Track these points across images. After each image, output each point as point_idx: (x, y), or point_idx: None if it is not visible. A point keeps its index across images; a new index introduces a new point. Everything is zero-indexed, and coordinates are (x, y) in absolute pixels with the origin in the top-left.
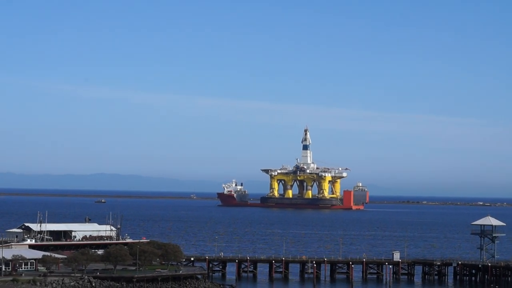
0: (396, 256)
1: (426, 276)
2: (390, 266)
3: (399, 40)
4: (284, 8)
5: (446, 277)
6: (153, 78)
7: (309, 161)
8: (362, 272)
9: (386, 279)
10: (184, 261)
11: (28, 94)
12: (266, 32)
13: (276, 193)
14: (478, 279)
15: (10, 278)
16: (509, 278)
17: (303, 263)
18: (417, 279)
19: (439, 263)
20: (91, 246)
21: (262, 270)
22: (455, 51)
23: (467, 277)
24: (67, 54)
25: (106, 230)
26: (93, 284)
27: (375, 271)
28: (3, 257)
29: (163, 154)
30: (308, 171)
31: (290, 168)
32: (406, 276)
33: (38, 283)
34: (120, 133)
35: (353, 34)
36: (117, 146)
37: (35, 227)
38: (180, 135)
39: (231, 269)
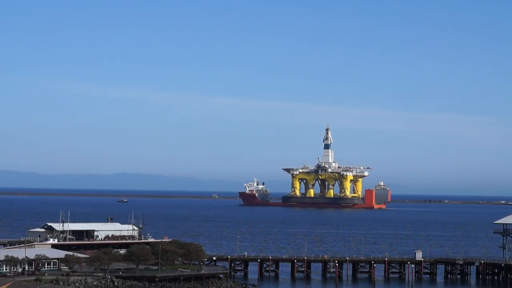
0: (418, 255)
1: (449, 275)
2: (412, 265)
3: (419, 39)
4: (304, 8)
5: (468, 276)
6: (174, 78)
7: (330, 160)
8: (384, 271)
9: (408, 278)
10: (206, 260)
11: (49, 95)
12: (287, 32)
13: (297, 193)
14: (500, 278)
15: (33, 277)
16: None
17: (325, 263)
18: (440, 278)
19: (461, 262)
20: (114, 245)
21: (284, 269)
22: (474, 49)
23: (490, 276)
24: (88, 55)
25: (128, 230)
26: (116, 284)
27: (397, 271)
28: (26, 257)
29: (185, 153)
30: (329, 170)
31: (312, 167)
32: (428, 276)
33: (61, 283)
34: (142, 134)
35: (373, 34)
36: (139, 146)
37: (57, 226)
38: (201, 135)
39: (253, 268)
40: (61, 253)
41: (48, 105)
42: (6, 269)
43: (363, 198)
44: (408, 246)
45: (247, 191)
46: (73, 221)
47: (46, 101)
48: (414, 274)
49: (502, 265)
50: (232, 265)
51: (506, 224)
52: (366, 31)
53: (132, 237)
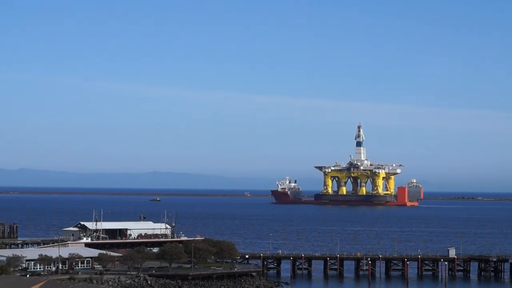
0: (452, 253)
1: (482, 272)
2: (446, 263)
3: (452, 36)
4: (338, 6)
5: (502, 273)
6: (206, 76)
7: (362, 158)
8: (418, 269)
9: (441, 276)
10: (239, 258)
11: (84, 95)
12: (319, 30)
13: (330, 190)
14: None
15: (67, 276)
16: None
17: (358, 260)
18: (473, 275)
19: (495, 260)
20: (146, 244)
21: (317, 267)
22: (509, 45)
23: None
24: (120, 53)
25: (161, 228)
26: (149, 282)
27: (431, 268)
28: (60, 256)
29: (217, 152)
30: (362, 167)
31: (344, 165)
32: (462, 273)
33: (94, 281)
34: (173, 132)
35: (406, 31)
36: (171, 145)
37: (91, 225)
38: (233, 133)
39: (285, 266)
40: (95, 252)
41: (81, 105)
42: (40, 268)
43: (395, 196)
44: (442, 244)
45: (279, 189)
46: (106, 220)
47: (79, 101)
48: (447, 271)
49: None
50: (265, 263)
51: None
52: (398, 28)
53: (165, 235)
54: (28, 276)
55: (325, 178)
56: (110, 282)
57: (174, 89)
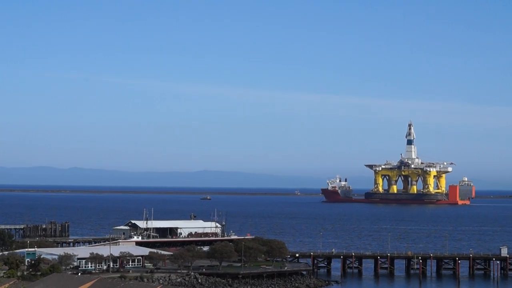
0: (504, 252)
1: None
2: (498, 262)
3: (501, 33)
4: (392, 7)
5: None
6: (255, 74)
7: (413, 156)
8: (469, 268)
9: (493, 275)
10: (289, 257)
11: (133, 94)
12: (372, 30)
13: (380, 189)
14: None
15: (118, 274)
16: None
17: (408, 259)
18: None
19: None
20: (197, 242)
21: (367, 266)
22: None
23: None
24: (167, 52)
25: (211, 227)
26: (199, 281)
27: (482, 267)
28: (111, 254)
29: (267, 150)
30: (412, 166)
31: (395, 163)
32: None
33: (145, 280)
34: (223, 130)
35: (456, 29)
36: (220, 143)
37: (141, 224)
38: (283, 132)
39: (336, 265)
40: (145, 251)
41: (132, 104)
42: (91, 266)
43: (446, 194)
44: (494, 243)
45: (329, 188)
46: (156, 218)
47: (130, 100)
48: (499, 270)
49: None
50: (315, 261)
51: None
52: (448, 27)
53: (215, 234)
54: (79, 274)
55: (375, 177)
56: (160, 280)
57: (223, 88)
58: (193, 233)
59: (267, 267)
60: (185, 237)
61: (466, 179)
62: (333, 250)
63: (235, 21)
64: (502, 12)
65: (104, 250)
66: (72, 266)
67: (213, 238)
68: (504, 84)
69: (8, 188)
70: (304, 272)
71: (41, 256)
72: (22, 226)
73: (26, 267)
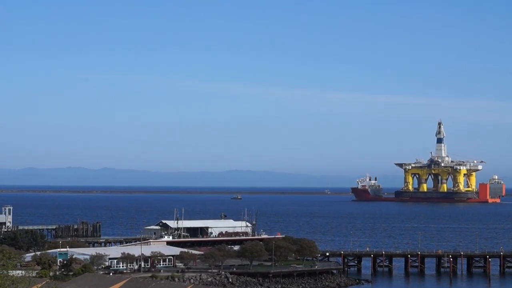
0: None
1: None
2: None
3: None
4: (415, 8)
5: None
6: (284, 73)
7: (443, 154)
8: (500, 266)
9: None
10: (319, 256)
11: (163, 94)
12: (399, 29)
13: (410, 187)
14: None
15: (149, 274)
16: None
17: (439, 257)
18: None
19: None
20: (227, 242)
21: (398, 264)
22: None
23: None
24: (191, 51)
25: (241, 226)
26: (230, 280)
27: None
28: (142, 254)
29: (297, 150)
30: (442, 164)
31: (425, 161)
32: None
33: (176, 279)
34: (252, 130)
35: (487, 26)
36: (250, 143)
37: (172, 224)
38: (312, 130)
39: (366, 263)
40: (176, 250)
41: (163, 105)
42: (123, 266)
43: (477, 192)
44: None
45: (359, 187)
46: (187, 218)
47: (160, 100)
48: None
49: None
50: (345, 260)
51: None
52: (478, 26)
53: (246, 233)
54: (111, 274)
55: (405, 175)
56: (191, 280)
57: (252, 87)
58: (224, 232)
59: (297, 266)
60: (215, 236)
61: (496, 177)
62: (367, 248)
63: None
64: None
65: (135, 250)
66: (103, 266)
67: (244, 238)
68: None
69: (40, 189)
70: (335, 271)
71: (73, 256)
72: (54, 227)
73: (58, 267)
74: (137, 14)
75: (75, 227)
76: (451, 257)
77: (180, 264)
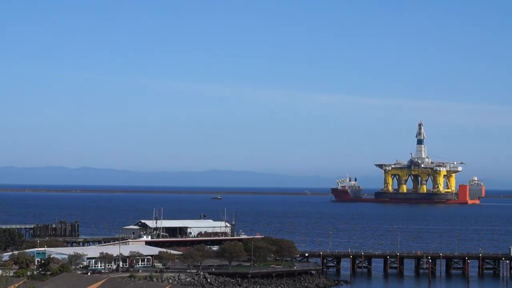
0: None
1: None
2: (507, 261)
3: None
4: (404, 10)
5: None
6: (266, 74)
7: (423, 156)
8: (478, 267)
9: (503, 274)
10: (298, 256)
11: (143, 94)
12: (379, 31)
13: (390, 188)
14: None
15: (128, 274)
16: None
17: (418, 259)
18: None
19: None
20: (206, 242)
21: (377, 265)
22: None
23: None
24: (177, 52)
25: (221, 226)
26: (209, 280)
27: (492, 267)
28: (120, 254)
29: (277, 150)
30: (422, 165)
31: (405, 162)
32: None
33: (154, 279)
34: (233, 130)
35: (467, 30)
36: (230, 143)
37: (151, 224)
38: (293, 131)
39: (345, 264)
40: (155, 250)
41: (143, 104)
42: (101, 266)
43: (456, 194)
44: (504, 242)
45: (339, 187)
46: (166, 218)
47: (140, 100)
48: (508, 270)
49: None
50: (325, 261)
51: None
52: (458, 27)
53: (225, 233)
54: (89, 274)
55: (385, 176)
56: (170, 280)
57: (233, 87)
58: (203, 232)
59: (276, 266)
60: (194, 236)
61: (476, 179)
62: (349, 250)
63: (243, 19)
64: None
65: (113, 249)
66: (81, 266)
67: (223, 238)
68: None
69: (19, 188)
70: (314, 272)
71: (51, 256)
72: (32, 226)
73: (36, 266)
74: (119, 17)
75: (54, 226)
76: (430, 259)
77: (158, 264)
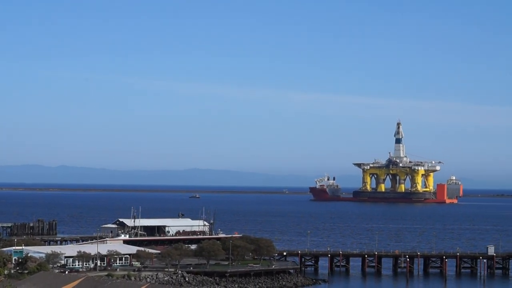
0: (491, 250)
1: None
2: (485, 260)
3: (494, 39)
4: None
5: None
6: (246, 73)
7: (402, 155)
8: (456, 266)
9: (480, 273)
10: (276, 255)
11: (122, 93)
12: (363, 28)
13: (368, 187)
14: None
15: (105, 273)
16: None
17: (396, 258)
18: None
19: None
20: (184, 241)
21: (355, 264)
22: None
23: None
24: (158, 50)
25: (199, 225)
26: (187, 279)
27: (469, 265)
28: (98, 252)
29: (256, 149)
30: (401, 164)
31: (383, 161)
32: (501, 271)
33: (132, 278)
34: (212, 129)
35: (444, 31)
36: (210, 142)
37: (129, 222)
38: (272, 130)
39: (323, 263)
40: (133, 249)
41: (120, 103)
42: (78, 265)
43: (434, 193)
44: (481, 241)
45: (317, 186)
46: (144, 217)
47: (119, 99)
48: (486, 269)
49: None
50: (303, 260)
51: None
52: (440, 26)
53: (203, 232)
54: (66, 272)
55: (363, 175)
56: (148, 278)
57: (213, 87)
58: (181, 231)
59: (254, 265)
60: (172, 235)
61: (454, 178)
62: (328, 248)
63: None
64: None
65: (91, 248)
66: (59, 265)
67: (201, 237)
68: (493, 84)
69: None
70: (292, 271)
71: (28, 255)
72: (9, 224)
73: (13, 265)
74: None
75: (31, 225)
76: (408, 257)
77: (136, 263)
